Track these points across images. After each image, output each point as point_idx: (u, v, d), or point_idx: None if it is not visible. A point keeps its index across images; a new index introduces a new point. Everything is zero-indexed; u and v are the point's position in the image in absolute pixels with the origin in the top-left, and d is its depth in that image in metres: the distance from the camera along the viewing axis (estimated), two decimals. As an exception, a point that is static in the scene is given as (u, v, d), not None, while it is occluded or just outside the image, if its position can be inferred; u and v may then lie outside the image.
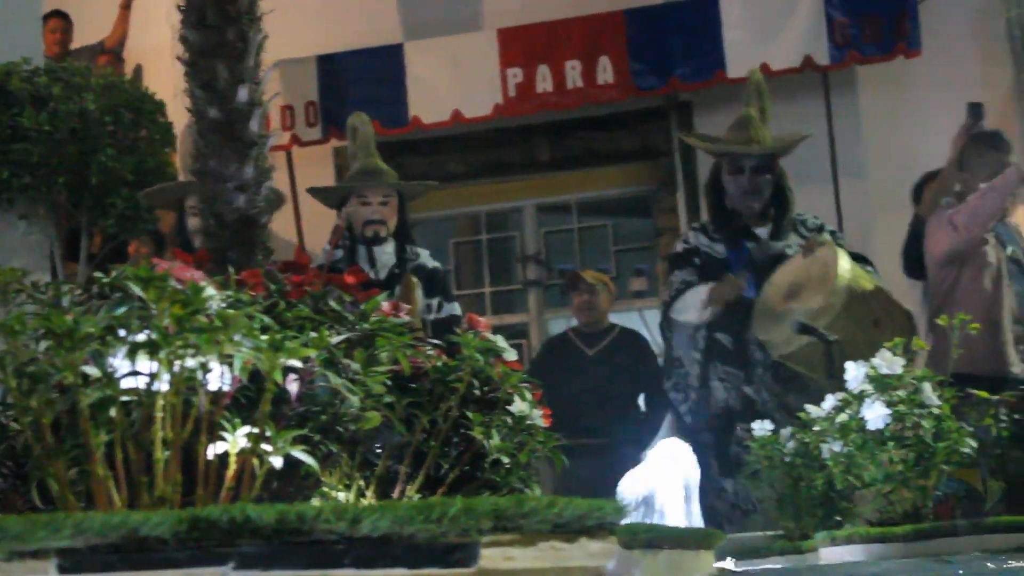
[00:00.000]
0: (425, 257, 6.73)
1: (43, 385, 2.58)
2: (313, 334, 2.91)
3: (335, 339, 3.11)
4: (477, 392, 3.60)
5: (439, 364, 3.59)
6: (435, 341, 3.75)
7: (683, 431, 6.81)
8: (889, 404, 4.15)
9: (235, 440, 2.63)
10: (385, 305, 3.45)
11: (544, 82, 9.46)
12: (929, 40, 9.06)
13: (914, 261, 7.59)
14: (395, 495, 3.48)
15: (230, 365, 2.63)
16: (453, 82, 9.59)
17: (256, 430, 2.65)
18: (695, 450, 4.01)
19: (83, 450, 2.58)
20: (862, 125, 9.39)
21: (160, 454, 2.58)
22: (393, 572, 2.06)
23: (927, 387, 4.20)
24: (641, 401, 8.06)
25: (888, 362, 4.23)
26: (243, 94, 4.69)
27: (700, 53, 9.24)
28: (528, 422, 3.67)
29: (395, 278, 6.39)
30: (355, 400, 3.08)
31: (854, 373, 4.26)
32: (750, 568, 3.93)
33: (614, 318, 8.46)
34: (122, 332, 2.57)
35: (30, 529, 2.07)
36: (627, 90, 9.40)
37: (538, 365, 8.50)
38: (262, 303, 3.23)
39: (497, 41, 9.57)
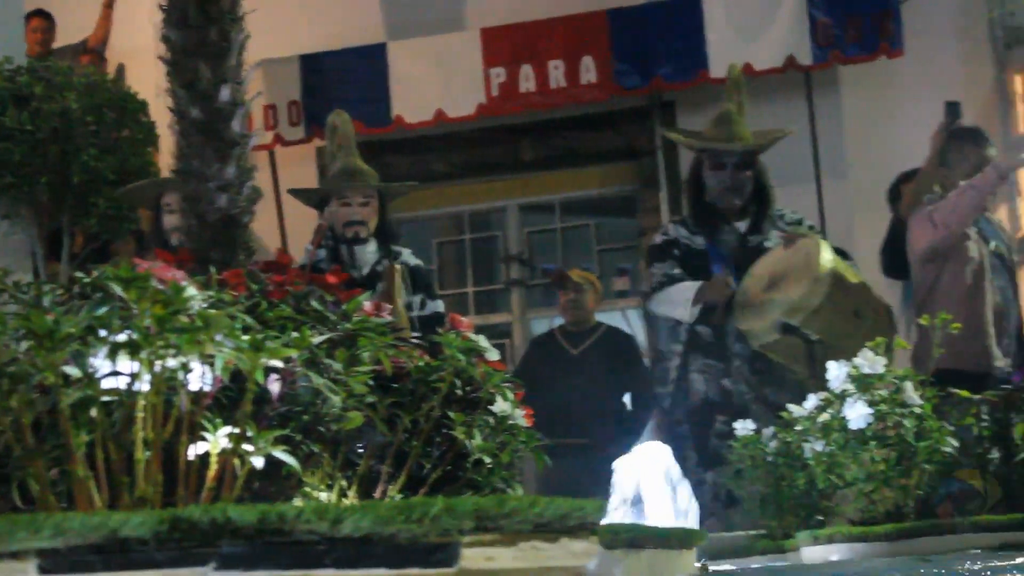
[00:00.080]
0: (407, 255, 6.71)
1: (24, 385, 2.58)
2: (295, 334, 2.91)
3: (317, 339, 3.10)
4: (459, 392, 3.60)
5: (421, 364, 3.59)
6: (417, 338, 3.74)
7: (668, 429, 6.82)
8: (871, 404, 4.16)
9: (216, 440, 2.63)
10: (367, 305, 3.45)
11: (527, 82, 9.46)
12: (911, 40, 9.08)
13: (893, 260, 7.61)
14: (377, 495, 3.48)
15: (211, 365, 2.63)
16: (436, 82, 9.59)
17: (237, 430, 2.64)
18: (676, 443, 4.02)
19: (64, 450, 2.58)
20: (844, 125, 9.40)
21: (141, 454, 2.57)
22: (374, 572, 2.06)
23: (909, 386, 4.21)
24: (627, 400, 8.06)
25: (870, 362, 4.24)
26: (225, 94, 4.68)
27: (683, 53, 9.24)
28: (510, 422, 3.67)
29: (377, 278, 6.38)
30: (337, 400, 3.08)
31: (836, 373, 4.27)
32: (733, 567, 3.94)
33: (597, 317, 8.46)
34: (103, 332, 2.57)
35: (10, 529, 2.06)
36: (610, 90, 9.40)
37: (524, 364, 8.52)
38: (244, 303, 3.22)
39: (480, 41, 9.57)
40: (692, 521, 3.56)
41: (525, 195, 10.35)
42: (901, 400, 4.18)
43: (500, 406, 3.66)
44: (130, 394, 2.58)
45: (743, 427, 4.72)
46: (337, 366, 3.17)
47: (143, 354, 2.55)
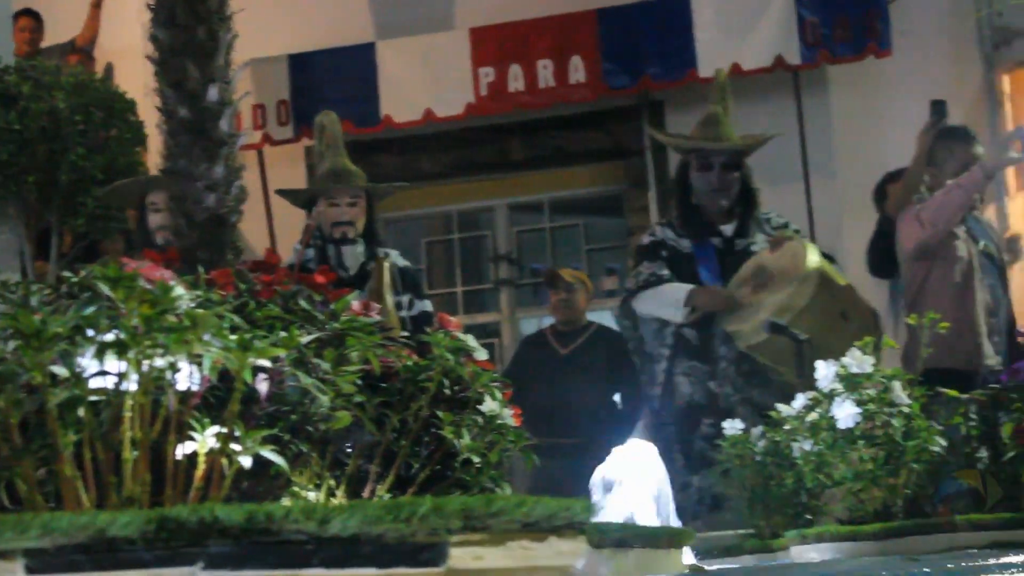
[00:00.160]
0: (395, 256, 6.72)
1: (11, 385, 2.57)
2: (283, 334, 2.90)
3: (305, 339, 3.10)
4: (448, 391, 3.60)
5: (410, 364, 3.59)
6: (405, 338, 3.74)
7: (655, 430, 6.82)
8: (859, 403, 4.16)
9: (204, 440, 2.63)
10: (355, 304, 3.45)
11: (516, 81, 9.47)
12: (899, 40, 9.10)
13: (880, 259, 7.63)
14: (365, 495, 3.48)
15: (199, 365, 2.63)
16: (425, 81, 9.59)
17: (225, 430, 2.64)
18: (662, 445, 4.02)
19: (51, 450, 2.57)
20: (833, 124, 9.42)
21: (129, 454, 2.57)
22: (362, 572, 2.06)
23: (897, 386, 4.21)
24: (618, 399, 8.06)
25: (858, 361, 4.24)
26: (213, 93, 4.68)
27: (672, 52, 9.25)
28: (499, 421, 3.67)
29: (365, 278, 6.38)
30: (325, 400, 3.08)
31: (824, 372, 4.27)
32: (721, 566, 3.94)
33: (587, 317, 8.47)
34: (91, 332, 2.56)
35: (-3, 529, 2.06)
36: (599, 89, 9.42)
37: (514, 364, 8.53)
38: (232, 303, 3.22)
39: (469, 40, 9.58)
40: (672, 521, 3.56)
41: (514, 194, 10.36)
42: (889, 399, 4.18)
43: (489, 405, 3.66)
44: (118, 394, 2.58)
45: (731, 426, 4.72)
46: (325, 366, 3.17)
47: (131, 354, 2.55)
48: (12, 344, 2.57)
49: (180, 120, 4.67)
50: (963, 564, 3.01)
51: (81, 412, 2.56)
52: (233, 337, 2.64)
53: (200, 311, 2.65)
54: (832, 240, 8.73)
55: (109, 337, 2.56)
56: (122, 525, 2.09)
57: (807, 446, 4.26)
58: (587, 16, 9.46)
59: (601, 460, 3.86)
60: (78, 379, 2.56)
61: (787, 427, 4.38)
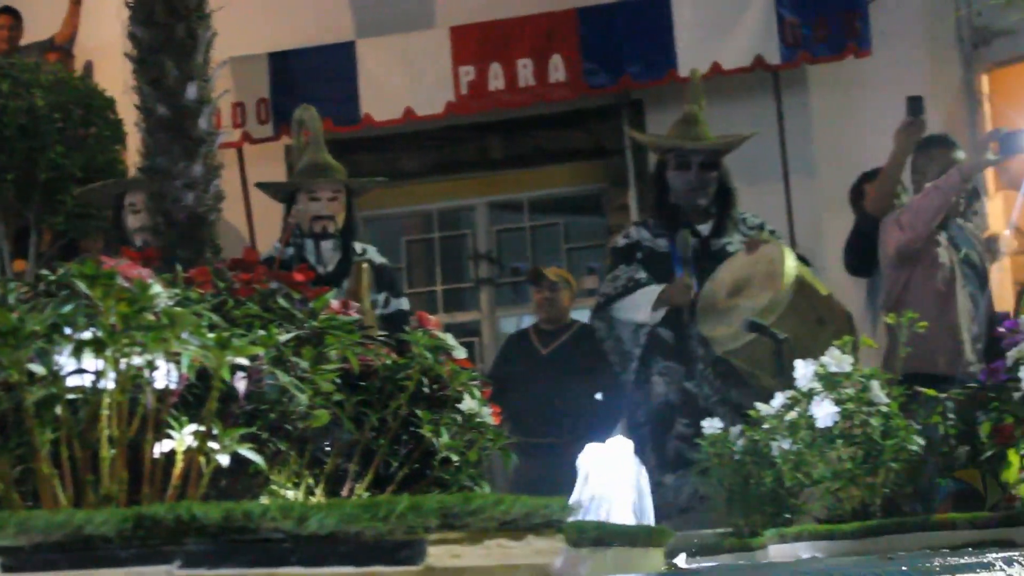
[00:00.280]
0: (372, 253, 6.72)
1: (-12, 383, 2.57)
2: (262, 332, 2.90)
3: (284, 337, 3.10)
4: (427, 390, 3.60)
5: (389, 362, 3.59)
6: (384, 336, 3.74)
7: (631, 428, 6.83)
8: (838, 402, 4.17)
9: (182, 438, 2.62)
10: (334, 303, 3.44)
11: (496, 80, 9.46)
12: (879, 40, 9.11)
13: (858, 258, 7.64)
14: (344, 493, 3.48)
15: (177, 363, 2.62)
16: (405, 80, 9.58)
17: (203, 428, 2.64)
18: (637, 444, 4.01)
19: (28, 448, 2.57)
20: (812, 124, 9.43)
21: (106, 452, 2.56)
22: (340, 570, 2.06)
23: (875, 385, 4.22)
24: (600, 398, 8.06)
25: (837, 360, 4.25)
26: (192, 91, 4.68)
27: (652, 52, 9.25)
28: (478, 420, 3.67)
29: (342, 273, 6.38)
30: (304, 398, 3.08)
31: (803, 371, 4.28)
32: (700, 565, 3.94)
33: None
34: (68, 330, 2.56)
35: (-27, 528, 2.06)
36: (579, 88, 9.41)
37: (497, 362, 8.55)
38: (210, 301, 3.22)
39: (449, 39, 9.56)
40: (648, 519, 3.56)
41: (494, 193, 10.35)
42: (868, 399, 4.20)
43: (467, 404, 3.66)
44: (95, 392, 2.57)
45: (710, 425, 4.73)
46: (304, 364, 3.16)
47: (108, 352, 2.54)
48: (-11, 342, 2.56)
49: (159, 118, 4.67)
50: (939, 563, 3.02)
51: (58, 410, 2.56)
52: (211, 335, 2.63)
53: (178, 309, 2.64)
54: (811, 239, 8.75)
55: (87, 335, 2.55)
56: (99, 523, 2.08)
57: (786, 445, 4.27)
58: (567, 15, 9.46)
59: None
60: (55, 377, 2.55)
61: (766, 426, 4.39)
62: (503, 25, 9.52)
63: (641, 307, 6.66)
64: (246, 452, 2.68)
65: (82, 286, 2.58)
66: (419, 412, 3.53)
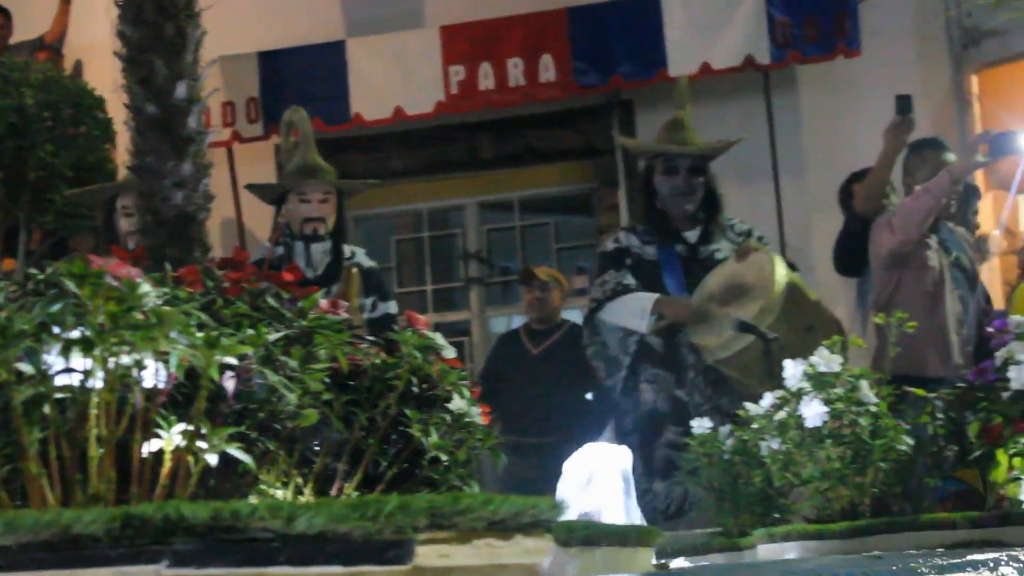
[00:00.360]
0: (361, 255, 6.71)
1: (-24, 382, 2.56)
2: (251, 331, 2.90)
3: (273, 336, 3.10)
4: (416, 390, 3.60)
5: (378, 362, 3.59)
6: (373, 338, 3.74)
7: (620, 435, 6.82)
8: (827, 402, 4.17)
9: (170, 438, 2.62)
10: (323, 302, 3.44)
11: (486, 80, 9.47)
12: (869, 40, 9.12)
13: (848, 258, 7.65)
14: (333, 493, 3.47)
15: (166, 362, 2.62)
16: (395, 79, 9.59)
17: (192, 428, 2.63)
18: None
19: (16, 447, 2.56)
20: (802, 124, 9.45)
21: (94, 452, 2.56)
22: (328, 570, 2.06)
23: (864, 385, 4.22)
24: (590, 397, 8.07)
25: (826, 360, 4.25)
26: (181, 90, 4.66)
27: (642, 52, 9.26)
28: (467, 420, 3.67)
29: (332, 276, 6.38)
30: (292, 397, 3.07)
31: (792, 371, 4.28)
32: (689, 565, 3.94)
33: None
34: (56, 329, 2.55)
35: (-39, 527, 2.05)
36: (569, 88, 9.42)
37: (488, 362, 8.56)
38: (199, 300, 3.22)
39: (439, 38, 9.57)
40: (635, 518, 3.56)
41: (484, 193, 10.36)
42: (857, 398, 4.20)
43: (457, 404, 3.66)
44: (83, 391, 2.57)
45: (699, 425, 4.73)
46: (293, 363, 3.16)
47: (97, 351, 2.54)
48: (-23, 341, 2.56)
49: (148, 117, 4.65)
50: (928, 562, 3.03)
51: (46, 409, 2.55)
52: (200, 335, 2.63)
53: (167, 308, 2.64)
54: (801, 239, 8.77)
55: (75, 334, 2.55)
56: (87, 523, 2.08)
57: (775, 445, 4.27)
58: (558, 15, 9.47)
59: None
60: (44, 376, 2.55)
61: (755, 426, 4.39)
62: (493, 25, 9.53)
63: (631, 313, 6.64)
64: (234, 451, 2.68)
65: (70, 285, 2.57)
66: (408, 411, 3.53)
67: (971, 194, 7.71)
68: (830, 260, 7.91)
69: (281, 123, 6.89)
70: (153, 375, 2.65)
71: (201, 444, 2.63)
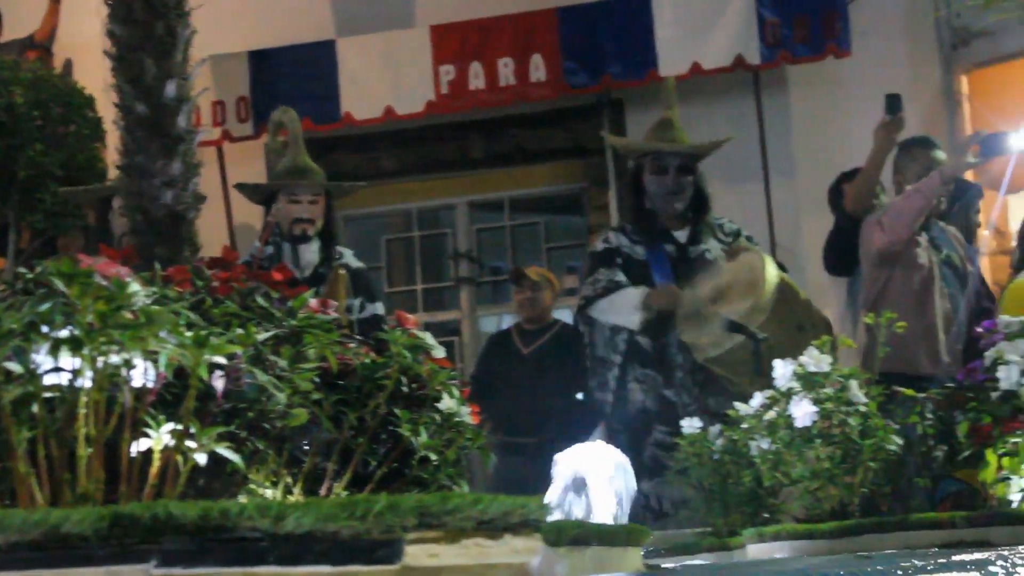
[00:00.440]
0: (349, 256, 6.71)
1: (-35, 382, 2.56)
2: (240, 331, 2.90)
3: (262, 336, 3.10)
4: (405, 389, 3.60)
5: (367, 361, 3.59)
6: (362, 339, 3.74)
7: (609, 434, 6.81)
8: (816, 402, 4.18)
9: (159, 437, 2.62)
10: (313, 302, 3.44)
11: (477, 79, 9.46)
12: (859, 41, 9.12)
13: (838, 258, 7.66)
14: (322, 492, 3.47)
15: (155, 362, 2.62)
16: (385, 78, 9.57)
17: (181, 427, 2.63)
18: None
19: (5, 447, 2.56)
20: (792, 124, 9.44)
21: (83, 451, 2.56)
22: (317, 569, 2.06)
23: (854, 385, 4.23)
24: (581, 398, 8.06)
25: (815, 360, 4.26)
26: (171, 89, 4.65)
27: (632, 51, 9.25)
28: (456, 419, 3.67)
29: (320, 276, 6.38)
30: (282, 397, 3.07)
31: (782, 371, 4.29)
32: (678, 564, 3.94)
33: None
34: (45, 328, 2.55)
35: (-51, 527, 2.05)
36: (560, 88, 9.41)
37: (480, 362, 8.56)
38: (189, 299, 3.22)
39: (430, 38, 9.55)
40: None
41: (474, 192, 10.34)
42: (846, 398, 4.20)
43: (446, 403, 3.66)
44: (72, 390, 2.57)
45: (689, 425, 4.74)
46: (282, 363, 3.16)
47: (85, 350, 2.54)
48: (-34, 340, 2.55)
49: (137, 116, 4.64)
50: (916, 562, 3.03)
51: (35, 409, 2.55)
52: (189, 334, 2.63)
53: (155, 308, 2.64)
54: (791, 239, 8.76)
55: (64, 333, 2.55)
56: (76, 522, 2.08)
57: (765, 445, 4.28)
58: (548, 15, 9.45)
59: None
60: (32, 375, 2.55)
61: (745, 426, 4.39)
62: (484, 24, 9.51)
63: (622, 310, 6.63)
64: (224, 451, 2.68)
65: (59, 284, 2.57)
66: (398, 411, 3.53)
67: (973, 193, 7.72)
68: (820, 260, 7.91)
69: (269, 122, 6.88)
70: (142, 374, 2.65)
71: (190, 443, 2.63)
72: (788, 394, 4.25)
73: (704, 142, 6.98)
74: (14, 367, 2.54)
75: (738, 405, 4.48)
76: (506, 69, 9.40)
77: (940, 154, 7.17)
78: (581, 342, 7.67)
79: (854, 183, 7.36)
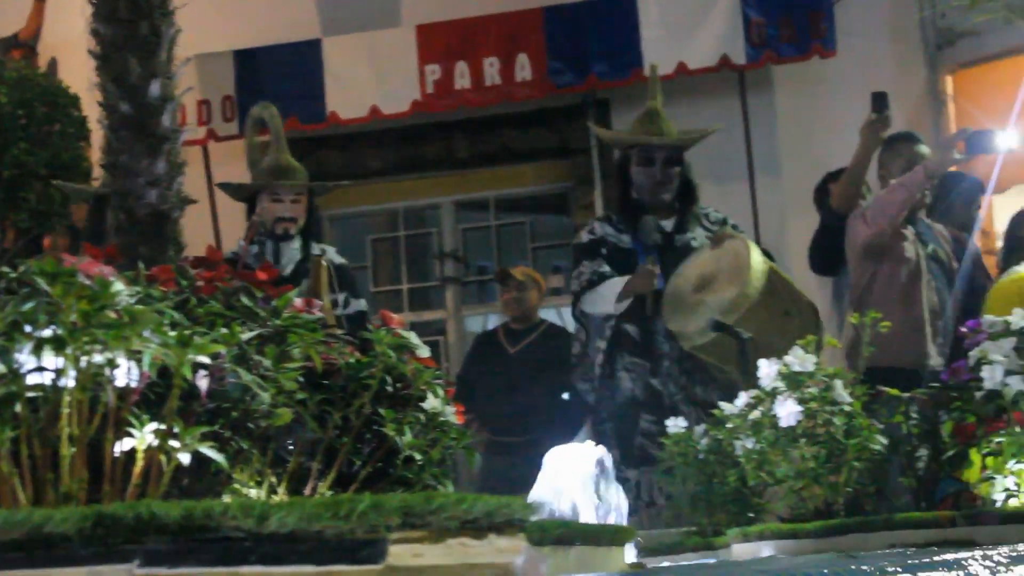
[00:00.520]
0: (331, 253, 6.70)
1: (-53, 381, 2.55)
2: (224, 330, 2.89)
3: (246, 335, 3.09)
4: (390, 389, 3.59)
5: (352, 361, 3.58)
6: (348, 337, 3.73)
7: (594, 424, 6.81)
8: (801, 401, 4.18)
9: (142, 437, 2.61)
10: (297, 301, 3.43)
11: (462, 79, 9.47)
12: (844, 41, 9.14)
13: (823, 257, 7.67)
14: (307, 492, 3.47)
15: (138, 361, 2.61)
16: (371, 78, 9.58)
17: (164, 426, 2.63)
18: (600, 441, 4.01)
19: (-12, 447, 2.55)
20: (778, 124, 9.46)
21: (66, 451, 2.55)
22: (300, 569, 2.05)
23: (839, 384, 4.23)
24: (566, 397, 8.07)
25: (800, 360, 4.26)
26: (155, 89, 4.65)
27: (618, 51, 9.27)
28: (441, 419, 3.67)
29: (301, 274, 6.38)
30: (266, 396, 3.07)
31: (767, 371, 4.29)
32: (662, 564, 3.94)
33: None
34: (28, 328, 2.54)
35: (-68, 526, 2.04)
36: (545, 87, 9.43)
37: (466, 362, 8.56)
38: (173, 299, 3.21)
39: (415, 37, 9.56)
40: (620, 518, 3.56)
41: (460, 192, 10.35)
42: (831, 398, 4.20)
43: (431, 403, 3.65)
44: (55, 390, 2.56)
45: (674, 424, 4.73)
46: (267, 362, 3.15)
47: (69, 350, 2.53)
48: (-51, 340, 2.55)
49: (122, 115, 4.64)
50: (900, 561, 3.03)
51: (18, 408, 2.54)
52: (173, 333, 2.63)
53: (139, 307, 2.63)
54: (776, 238, 8.77)
55: (47, 333, 2.54)
56: (59, 522, 2.07)
57: (749, 444, 4.28)
58: (533, 14, 9.47)
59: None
60: (15, 375, 2.54)
61: (730, 425, 4.39)
62: (469, 24, 9.53)
63: (608, 299, 6.63)
64: (207, 451, 2.67)
65: (43, 284, 2.56)
66: (382, 411, 3.53)
67: (969, 186, 7.73)
68: (805, 259, 7.92)
69: (249, 118, 6.85)
70: (126, 374, 2.64)
71: (174, 443, 2.63)
72: (773, 394, 4.25)
73: (691, 130, 6.98)
74: (-3, 367, 2.53)
75: (723, 405, 4.48)
76: (492, 69, 9.41)
77: (924, 149, 7.20)
78: (567, 342, 7.69)
79: (840, 181, 7.38)
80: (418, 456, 3.59)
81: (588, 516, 3.38)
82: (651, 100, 6.89)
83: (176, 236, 4.66)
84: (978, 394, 4.25)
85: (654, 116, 6.81)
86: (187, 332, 2.63)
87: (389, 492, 3.26)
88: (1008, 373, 4.20)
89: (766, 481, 4.31)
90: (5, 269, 2.94)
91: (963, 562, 3.04)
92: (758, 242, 8.13)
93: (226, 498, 3.06)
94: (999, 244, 7.76)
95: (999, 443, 4.14)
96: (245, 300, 3.37)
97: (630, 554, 3.36)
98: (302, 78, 9.56)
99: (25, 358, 2.55)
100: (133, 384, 2.66)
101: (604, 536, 3.06)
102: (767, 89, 9.51)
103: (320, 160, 9.35)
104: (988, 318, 4.41)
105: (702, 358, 6.37)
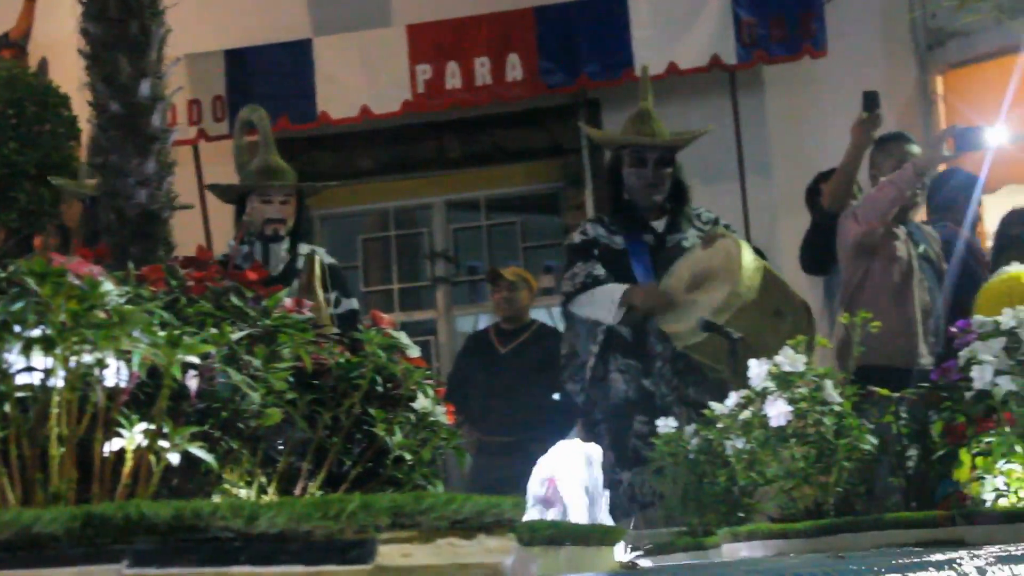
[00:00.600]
0: (321, 253, 6.70)
1: (-64, 381, 2.54)
2: (214, 330, 2.89)
3: (236, 335, 3.09)
4: (380, 389, 3.59)
5: (342, 361, 3.58)
6: (338, 334, 3.73)
7: (587, 425, 6.81)
8: (791, 401, 4.19)
9: (132, 437, 2.61)
10: (287, 302, 3.43)
11: (453, 79, 9.47)
12: (835, 41, 9.15)
13: (814, 257, 7.69)
14: (297, 492, 3.46)
15: (128, 361, 2.61)
16: (362, 78, 9.57)
17: (154, 426, 2.62)
18: (594, 442, 4.00)
19: (-24, 447, 2.55)
20: (768, 124, 9.47)
21: (55, 451, 2.55)
22: (290, 569, 2.05)
23: (829, 384, 4.23)
24: (557, 398, 8.07)
25: (790, 360, 4.27)
26: (145, 88, 4.65)
27: (609, 51, 9.28)
28: (431, 419, 3.66)
29: (290, 275, 6.37)
30: (256, 396, 3.06)
31: (757, 371, 4.29)
32: (652, 564, 3.95)
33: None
34: (17, 327, 2.54)
35: (-80, 527, 2.04)
36: (536, 87, 9.43)
37: (457, 362, 8.57)
38: (163, 299, 3.20)
39: (406, 37, 9.56)
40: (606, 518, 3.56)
41: (451, 192, 10.36)
42: (821, 398, 4.21)
43: (421, 403, 3.65)
44: (44, 390, 2.55)
45: (665, 424, 4.74)
46: (257, 362, 3.15)
47: (58, 350, 2.53)
48: (-63, 339, 2.54)
49: (111, 115, 4.63)
50: (890, 561, 3.04)
51: (7, 408, 2.54)
52: (162, 333, 2.62)
53: (129, 307, 2.62)
54: (767, 238, 8.78)
55: (36, 333, 2.54)
56: (47, 522, 2.07)
57: (740, 444, 4.29)
58: (524, 14, 9.47)
59: (536, 458, 3.86)
60: (4, 375, 2.53)
61: (720, 425, 4.40)
62: (460, 23, 9.53)
63: (603, 305, 6.61)
64: (197, 451, 2.67)
65: (32, 283, 2.56)
66: (372, 411, 3.52)
67: (970, 182, 7.74)
68: (796, 259, 7.94)
69: (237, 120, 6.85)
70: (115, 374, 2.64)
71: (163, 443, 2.62)
72: (763, 394, 4.25)
73: (682, 131, 6.98)
74: (-14, 366, 2.53)
75: (713, 405, 4.49)
76: (483, 69, 9.41)
77: (914, 148, 7.23)
78: (558, 342, 7.69)
79: (831, 180, 7.39)
80: (408, 456, 3.59)
81: (579, 513, 3.38)
82: (642, 100, 6.89)
83: (166, 236, 4.66)
84: (968, 394, 4.25)
85: (646, 117, 6.81)
86: (177, 332, 2.63)
87: (379, 492, 3.25)
88: (998, 373, 4.21)
89: (756, 481, 4.32)
90: (-6, 269, 2.94)
91: (953, 562, 3.04)
92: (749, 242, 8.15)
93: (216, 498, 3.06)
94: (989, 244, 7.77)
95: (989, 443, 4.15)
96: (235, 300, 3.36)
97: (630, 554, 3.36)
98: (293, 78, 9.56)
99: (14, 358, 2.54)
100: (122, 384, 2.66)
101: (594, 536, 3.06)
102: (758, 89, 9.52)
103: (311, 160, 9.35)
104: (978, 318, 4.42)
105: (695, 358, 6.37)
